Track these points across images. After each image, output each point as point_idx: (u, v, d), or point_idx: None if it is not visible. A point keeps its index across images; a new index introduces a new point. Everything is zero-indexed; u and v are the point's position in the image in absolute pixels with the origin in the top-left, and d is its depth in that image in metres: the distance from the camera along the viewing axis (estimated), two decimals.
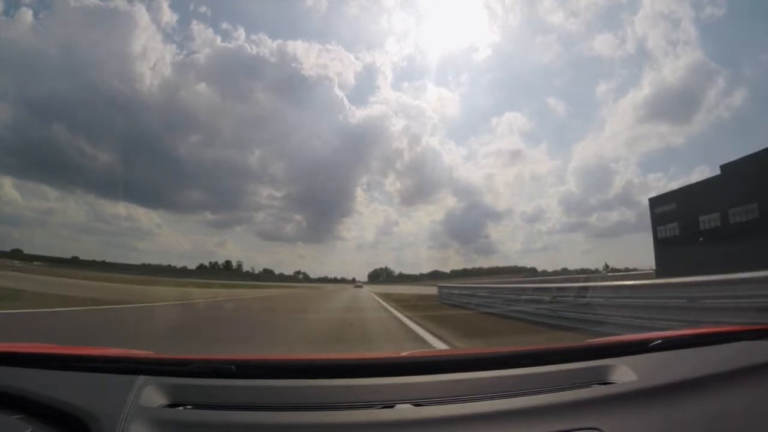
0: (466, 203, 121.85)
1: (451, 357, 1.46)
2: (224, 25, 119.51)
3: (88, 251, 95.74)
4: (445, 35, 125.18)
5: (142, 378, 1.17)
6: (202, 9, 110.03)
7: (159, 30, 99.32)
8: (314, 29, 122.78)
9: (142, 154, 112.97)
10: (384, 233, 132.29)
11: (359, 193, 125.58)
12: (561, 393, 1.18)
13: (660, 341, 1.53)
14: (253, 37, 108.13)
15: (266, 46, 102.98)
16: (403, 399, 1.14)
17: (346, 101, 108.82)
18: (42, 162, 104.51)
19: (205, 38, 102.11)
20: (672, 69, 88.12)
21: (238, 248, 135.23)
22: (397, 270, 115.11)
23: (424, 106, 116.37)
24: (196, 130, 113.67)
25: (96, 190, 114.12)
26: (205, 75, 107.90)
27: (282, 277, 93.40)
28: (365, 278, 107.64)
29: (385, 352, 1.77)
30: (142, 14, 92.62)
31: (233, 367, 1.25)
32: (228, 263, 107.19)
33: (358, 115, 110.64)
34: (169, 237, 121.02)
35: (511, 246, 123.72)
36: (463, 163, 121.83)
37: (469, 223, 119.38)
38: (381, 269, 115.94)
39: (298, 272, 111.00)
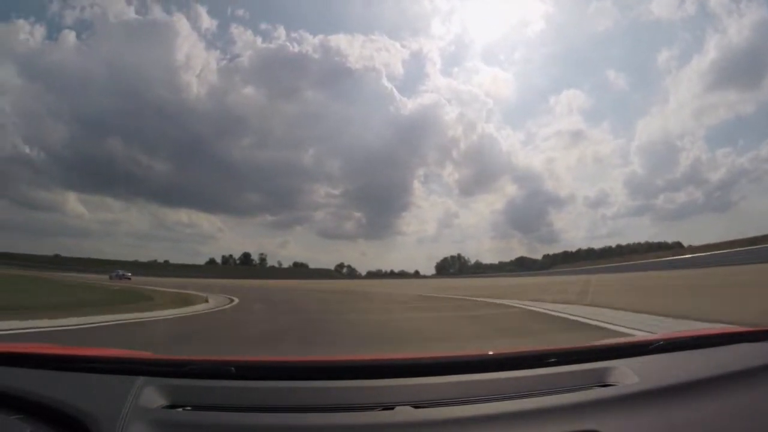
0: (527, 190, 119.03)
1: (450, 359, 1.45)
2: (263, 26, 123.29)
3: (154, 257, 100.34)
4: (493, 10, 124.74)
5: (141, 379, 1.20)
6: (240, 12, 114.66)
7: (200, 37, 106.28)
8: (355, 20, 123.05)
9: (197, 161, 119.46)
10: (445, 226, 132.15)
11: (417, 186, 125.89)
12: (561, 395, 1.21)
13: (661, 343, 1.56)
14: (294, 34, 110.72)
15: (308, 42, 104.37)
16: (403, 401, 1.15)
17: (395, 92, 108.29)
18: (102, 175, 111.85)
19: (246, 41, 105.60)
20: (737, 29, 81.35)
21: (300, 248, 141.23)
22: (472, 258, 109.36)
23: (476, 91, 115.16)
24: (247, 133, 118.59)
25: (157, 199, 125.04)
26: (251, 77, 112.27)
27: (317, 273, 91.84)
28: (432, 270, 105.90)
29: (385, 354, 1.78)
30: (182, 23, 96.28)
31: (233, 368, 1.29)
32: (247, 257, 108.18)
33: (409, 105, 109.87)
34: (232, 240, 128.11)
35: (575, 234, 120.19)
36: (521, 148, 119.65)
37: (531, 211, 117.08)
38: (453, 258, 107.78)
39: (341, 266, 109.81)
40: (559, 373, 1.36)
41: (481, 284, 33.86)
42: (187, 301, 14.13)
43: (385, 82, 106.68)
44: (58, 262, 74.95)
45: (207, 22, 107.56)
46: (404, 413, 1.11)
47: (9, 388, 1.13)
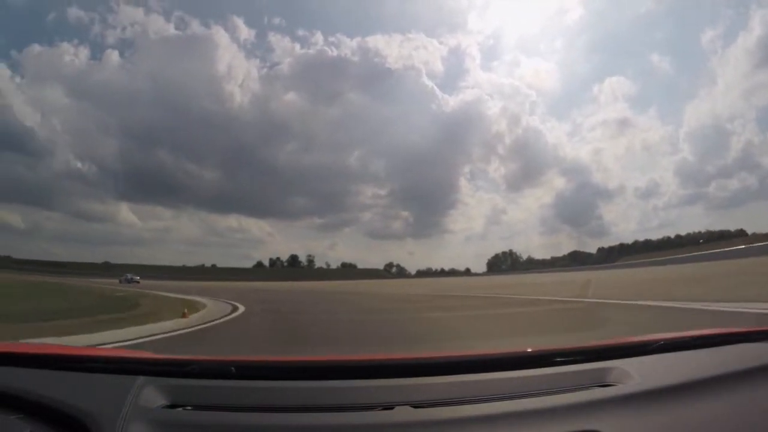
0: (575, 183, 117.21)
1: (450, 359, 1.45)
2: (300, 32, 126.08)
3: (205, 262, 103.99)
4: (530, 0, 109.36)
5: (141, 378, 1.20)
6: (276, 20, 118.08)
7: (240, 48, 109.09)
8: (391, 20, 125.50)
9: (245, 168, 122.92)
10: (492, 222, 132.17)
11: (463, 183, 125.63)
12: (562, 395, 1.21)
13: (661, 343, 1.57)
14: (331, 39, 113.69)
15: (346, 45, 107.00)
16: (403, 401, 1.15)
17: (436, 90, 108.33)
18: (153, 186, 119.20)
19: (284, 48, 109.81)
20: None
21: (348, 249, 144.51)
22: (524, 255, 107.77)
23: (518, 84, 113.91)
24: (292, 138, 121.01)
25: (207, 206, 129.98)
26: (292, 84, 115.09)
27: (365, 273, 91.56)
28: (482, 267, 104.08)
29: (385, 354, 1.67)
30: (220, 36, 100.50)
31: (233, 368, 1.29)
32: (294, 259, 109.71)
33: (451, 102, 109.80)
34: (281, 243, 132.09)
35: (625, 226, 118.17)
36: (567, 139, 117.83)
37: (580, 204, 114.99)
38: (504, 254, 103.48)
39: (390, 265, 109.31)
40: (559, 373, 1.37)
41: (551, 281, 29.39)
42: (173, 312, 11.25)
43: (425, 80, 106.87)
44: (106, 269, 77.29)
45: (245, 32, 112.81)
46: (404, 413, 1.12)
47: (9, 388, 1.13)
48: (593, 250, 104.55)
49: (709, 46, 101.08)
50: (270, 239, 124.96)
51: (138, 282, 45.88)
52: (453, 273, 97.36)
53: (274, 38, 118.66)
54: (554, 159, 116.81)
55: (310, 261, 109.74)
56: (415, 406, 1.14)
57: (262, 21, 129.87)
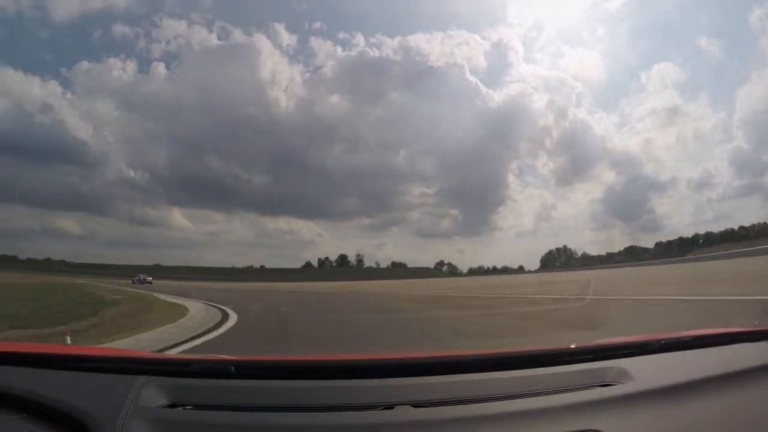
0: (626, 176, 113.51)
1: (450, 358, 1.47)
2: (341, 35, 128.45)
3: (256, 264, 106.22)
4: None
5: (141, 378, 1.20)
6: (316, 25, 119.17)
7: (282, 54, 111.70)
8: (431, 18, 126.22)
9: (292, 171, 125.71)
10: (542, 219, 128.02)
11: (511, 179, 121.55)
12: (561, 395, 1.22)
13: (661, 343, 1.58)
14: (372, 39, 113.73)
15: (387, 45, 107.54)
16: (403, 400, 1.16)
17: (481, 86, 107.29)
18: (203, 191, 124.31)
19: (326, 52, 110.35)
20: None
21: (397, 249, 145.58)
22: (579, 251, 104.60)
23: (563, 76, 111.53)
24: (338, 140, 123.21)
25: (257, 209, 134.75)
26: (335, 86, 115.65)
27: (416, 272, 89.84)
28: (536, 265, 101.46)
29: (385, 353, 1.67)
30: (262, 43, 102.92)
31: (233, 367, 1.29)
32: (343, 259, 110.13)
33: (496, 98, 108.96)
34: (331, 244, 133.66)
35: (679, 219, 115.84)
36: (616, 131, 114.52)
37: (631, 198, 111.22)
38: (558, 250, 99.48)
39: (440, 264, 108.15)
40: (559, 373, 1.37)
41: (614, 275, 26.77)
42: (135, 325, 9.21)
43: (468, 76, 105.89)
44: (157, 271, 79.14)
45: (287, 38, 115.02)
46: (404, 413, 1.12)
47: (9, 388, 1.13)
48: (647, 245, 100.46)
49: (757, 25, 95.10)
50: (319, 240, 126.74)
51: (150, 283, 46.42)
52: (506, 271, 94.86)
53: (315, 42, 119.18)
54: (603, 152, 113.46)
55: (360, 260, 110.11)
56: (416, 406, 1.14)
57: (302, 26, 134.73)
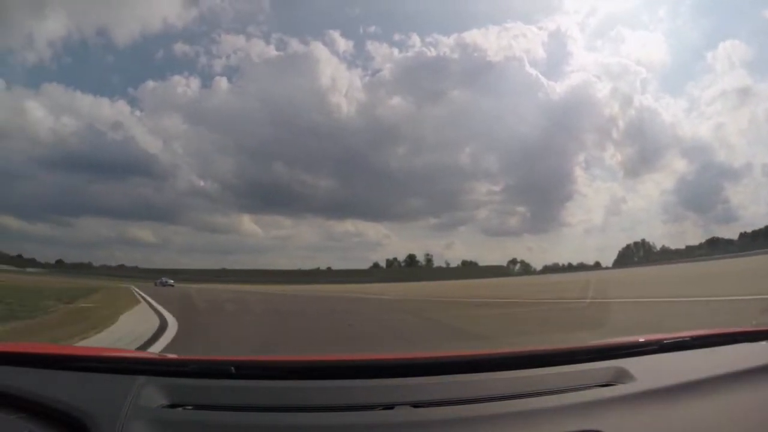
0: (697, 164, 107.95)
1: (450, 358, 1.46)
2: (397, 37, 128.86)
3: (323, 266, 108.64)
4: None
5: (141, 378, 1.21)
6: (371, 29, 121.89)
7: (340, 60, 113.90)
8: (485, 12, 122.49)
9: (357, 174, 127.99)
10: (612, 213, 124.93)
11: (578, 173, 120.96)
12: (562, 395, 1.21)
13: (661, 343, 1.58)
14: (428, 39, 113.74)
15: (443, 44, 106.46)
16: (403, 400, 1.16)
17: (542, 78, 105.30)
18: (271, 197, 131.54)
19: (383, 54, 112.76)
20: None
21: (465, 248, 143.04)
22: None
23: (626, 62, 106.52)
24: (401, 141, 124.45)
25: (324, 213, 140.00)
26: (395, 88, 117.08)
27: (487, 271, 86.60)
28: (609, 261, 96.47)
29: (385, 353, 1.73)
30: (320, 50, 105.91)
31: (232, 368, 1.29)
32: (412, 259, 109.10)
33: (558, 89, 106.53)
34: (398, 245, 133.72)
35: (755, 209, 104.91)
36: (684, 116, 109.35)
37: (704, 187, 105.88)
38: (636, 244, 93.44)
39: (513, 261, 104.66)
40: (559, 373, 1.37)
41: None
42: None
43: (528, 69, 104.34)
44: (223, 275, 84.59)
45: (343, 44, 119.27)
46: (404, 413, 1.12)
47: (9, 388, 1.14)
48: (722, 236, 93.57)
49: None
50: (386, 241, 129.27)
51: (172, 285, 48.61)
52: (582, 267, 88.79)
53: (372, 46, 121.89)
54: (672, 139, 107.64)
55: (429, 260, 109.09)
56: (416, 406, 1.14)
57: (357, 31, 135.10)
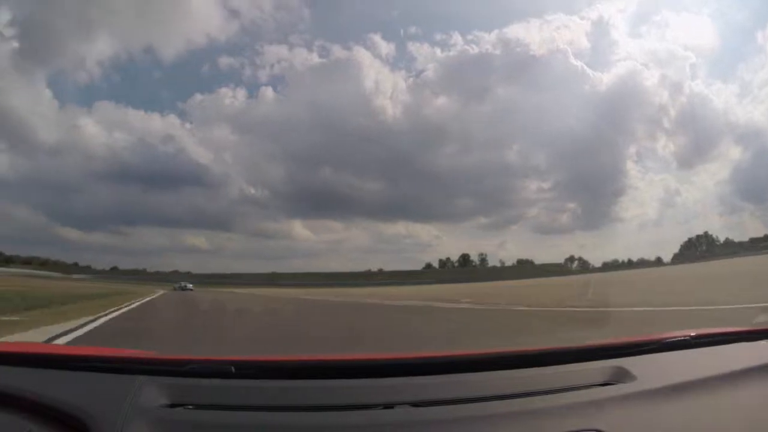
0: (753, 151, 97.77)
1: (450, 358, 1.48)
2: (438, 37, 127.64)
3: (375, 268, 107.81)
4: None
5: (141, 378, 1.22)
6: (412, 30, 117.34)
7: (383, 63, 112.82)
8: (524, 5, 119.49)
9: (406, 176, 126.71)
10: (666, 206, 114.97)
11: (630, 166, 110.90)
12: (562, 394, 1.23)
13: (661, 342, 1.60)
14: (469, 37, 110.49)
15: (485, 41, 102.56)
16: (403, 400, 1.17)
17: (587, 69, 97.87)
18: (321, 202, 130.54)
19: (425, 55, 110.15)
20: None
21: (517, 247, 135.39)
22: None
23: (673, 47, 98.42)
24: (448, 141, 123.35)
25: (374, 215, 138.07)
26: (440, 88, 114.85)
27: (544, 269, 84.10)
28: (666, 256, 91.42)
29: (385, 353, 1.68)
30: (362, 55, 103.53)
31: (232, 367, 1.30)
32: (466, 258, 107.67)
33: (604, 80, 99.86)
34: (449, 246, 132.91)
35: None
36: (737, 101, 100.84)
37: (760, 176, 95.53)
38: (699, 237, 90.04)
39: (571, 258, 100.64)
40: (559, 372, 1.38)
41: None
42: None
43: (573, 60, 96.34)
44: (273, 278, 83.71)
45: (385, 47, 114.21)
46: (404, 412, 1.12)
47: (9, 387, 1.14)
48: None
49: None
50: (437, 242, 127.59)
51: (191, 290, 48.69)
52: (643, 264, 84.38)
53: (413, 47, 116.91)
54: (726, 126, 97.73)
55: (483, 260, 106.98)
56: (416, 406, 1.14)
57: (398, 33, 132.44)
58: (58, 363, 1.31)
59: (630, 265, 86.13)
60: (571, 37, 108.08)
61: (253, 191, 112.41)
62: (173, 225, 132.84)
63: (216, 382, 1.25)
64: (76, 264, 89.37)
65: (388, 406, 1.13)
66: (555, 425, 1.08)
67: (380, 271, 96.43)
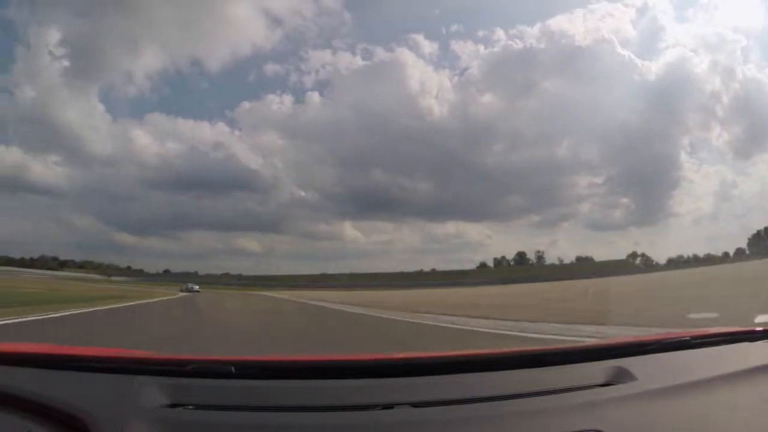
0: None
1: (450, 358, 1.50)
2: (480, 33, 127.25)
3: (426, 268, 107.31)
4: None
5: (141, 378, 1.23)
6: (454, 27, 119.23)
7: (427, 62, 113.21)
8: None
9: (454, 176, 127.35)
10: (722, 199, 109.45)
11: (683, 157, 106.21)
12: (562, 395, 1.24)
13: (661, 343, 1.61)
14: (512, 32, 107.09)
15: (528, 35, 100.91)
16: (403, 400, 1.17)
17: (635, 58, 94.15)
18: (371, 203, 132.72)
19: (469, 52, 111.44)
20: None
21: (569, 244, 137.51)
22: None
23: (721, 30, 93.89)
24: (497, 138, 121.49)
25: (424, 215, 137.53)
26: (485, 85, 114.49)
27: (606, 267, 78.15)
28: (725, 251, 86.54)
29: (385, 353, 1.73)
30: (406, 55, 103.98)
31: (233, 368, 1.30)
32: (522, 256, 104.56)
33: (653, 68, 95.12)
34: (500, 245, 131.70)
35: None
36: None
37: None
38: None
39: (633, 255, 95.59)
40: (559, 372, 1.39)
41: None
42: None
43: (619, 50, 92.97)
44: (323, 279, 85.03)
45: (428, 47, 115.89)
46: (404, 413, 1.13)
47: (9, 387, 1.15)
48: None
49: None
50: (488, 241, 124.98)
51: (198, 291, 49.30)
52: (710, 260, 79.51)
53: (456, 45, 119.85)
54: None
55: (540, 257, 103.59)
56: (415, 406, 1.15)
57: (440, 32, 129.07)
58: (58, 363, 1.31)
59: (697, 261, 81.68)
60: (616, 26, 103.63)
61: (303, 194, 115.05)
62: (225, 229, 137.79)
63: (216, 382, 1.25)
64: (129, 267, 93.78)
65: (388, 406, 1.13)
66: (555, 426, 1.08)
67: (433, 271, 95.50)
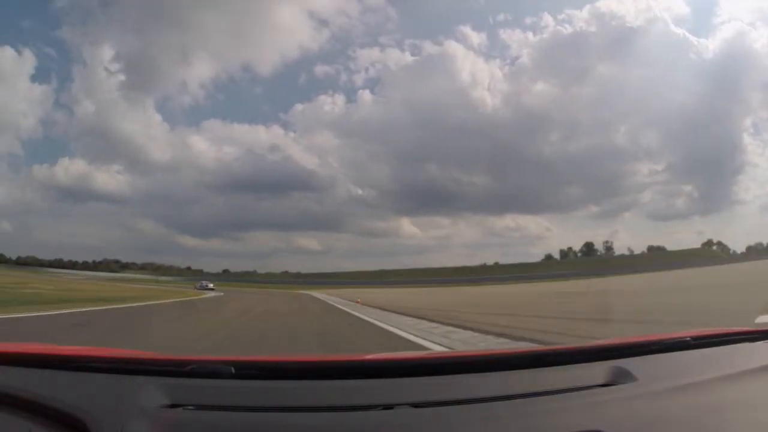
0: None
1: (450, 358, 1.52)
2: (528, 20, 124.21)
3: (484, 262, 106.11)
4: None
5: (142, 378, 1.23)
6: (501, 17, 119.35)
7: (477, 53, 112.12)
8: None
9: (511, 168, 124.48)
10: None
11: (747, 140, 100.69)
12: (562, 395, 1.24)
13: (661, 343, 1.60)
14: (560, 16, 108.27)
15: (577, 18, 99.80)
16: (403, 401, 1.17)
17: (690, 36, 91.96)
18: (428, 198, 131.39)
19: (518, 41, 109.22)
20: None
21: (631, 235, 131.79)
22: None
23: None
24: (552, 128, 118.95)
25: (481, 209, 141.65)
26: (537, 73, 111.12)
27: (679, 256, 75.40)
28: None
29: (385, 354, 1.70)
30: (454, 48, 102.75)
31: (233, 368, 1.30)
32: (589, 247, 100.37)
33: (710, 46, 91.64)
34: (560, 237, 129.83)
35: None
36: None
37: None
38: None
39: (709, 243, 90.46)
40: (560, 373, 1.39)
41: None
42: None
43: (673, 28, 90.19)
44: (381, 276, 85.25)
45: (476, 37, 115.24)
46: (404, 413, 1.13)
47: (9, 387, 1.15)
48: None
49: None
50: (548, 234, 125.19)
51: (212, 289, 48.17)
52: None
53: (505, 34, 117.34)
54: None
55: (608, 248, 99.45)
56: (415, 406, 1.14)
57: (487, 22, 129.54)
58: (58, 363, 1.32)
59: None
60: (667, 3, 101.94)
61: (360, 192, 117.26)
62: (285, 228, 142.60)
63: (216, 382, 1.25)
64: (188, 268, 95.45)
65: (388, 406, 1.13)
66: (556, 426, 1.08)
67: (496, 265, 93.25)
